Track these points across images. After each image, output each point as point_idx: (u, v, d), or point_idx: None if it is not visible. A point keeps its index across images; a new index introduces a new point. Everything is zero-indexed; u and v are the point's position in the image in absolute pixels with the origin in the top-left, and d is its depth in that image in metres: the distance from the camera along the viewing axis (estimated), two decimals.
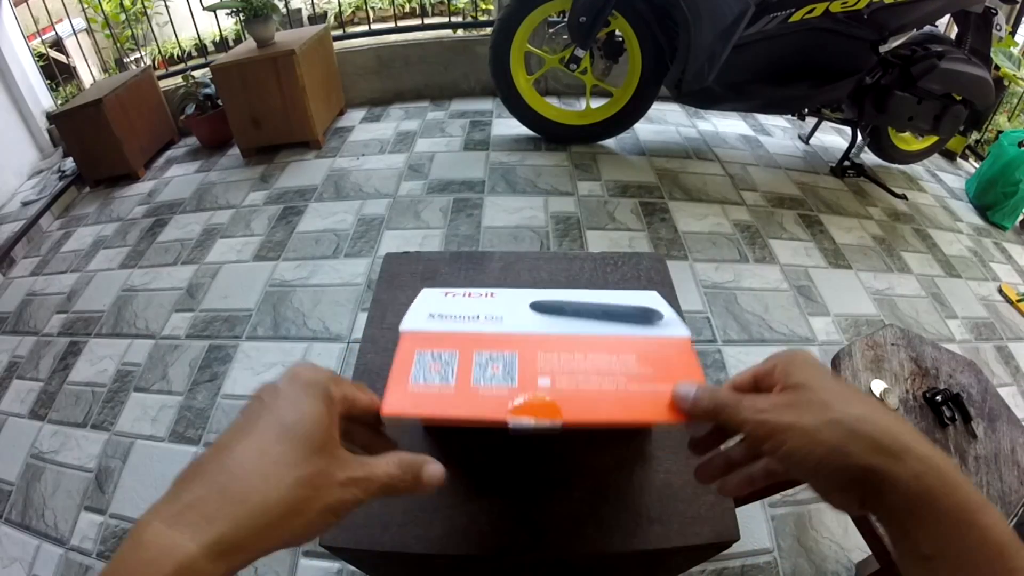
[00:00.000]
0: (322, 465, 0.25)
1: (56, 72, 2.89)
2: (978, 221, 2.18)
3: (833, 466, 0.26)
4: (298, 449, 0.25)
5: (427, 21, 2.84)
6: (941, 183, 2.41)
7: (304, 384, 0.27)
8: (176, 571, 0.20)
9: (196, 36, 3.00)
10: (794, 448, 0.26)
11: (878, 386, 0.78)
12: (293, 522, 0.23)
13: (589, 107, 2.23)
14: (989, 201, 2.19)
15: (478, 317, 0.42)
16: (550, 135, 2.27)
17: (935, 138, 2.27)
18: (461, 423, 0.34)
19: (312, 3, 3.91)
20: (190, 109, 2.43)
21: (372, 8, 3.68)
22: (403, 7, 4.15)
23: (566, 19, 1.91)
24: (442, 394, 0.35)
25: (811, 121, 2.53)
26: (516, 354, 0.37)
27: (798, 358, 0.30)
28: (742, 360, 1.41)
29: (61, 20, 3.17)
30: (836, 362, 0.82)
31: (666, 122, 2.55)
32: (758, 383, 0.32)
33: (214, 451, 0.24)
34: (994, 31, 1.95)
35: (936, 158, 2.54)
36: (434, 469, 0.30)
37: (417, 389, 0.35)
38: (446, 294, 0.47)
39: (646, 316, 0.42)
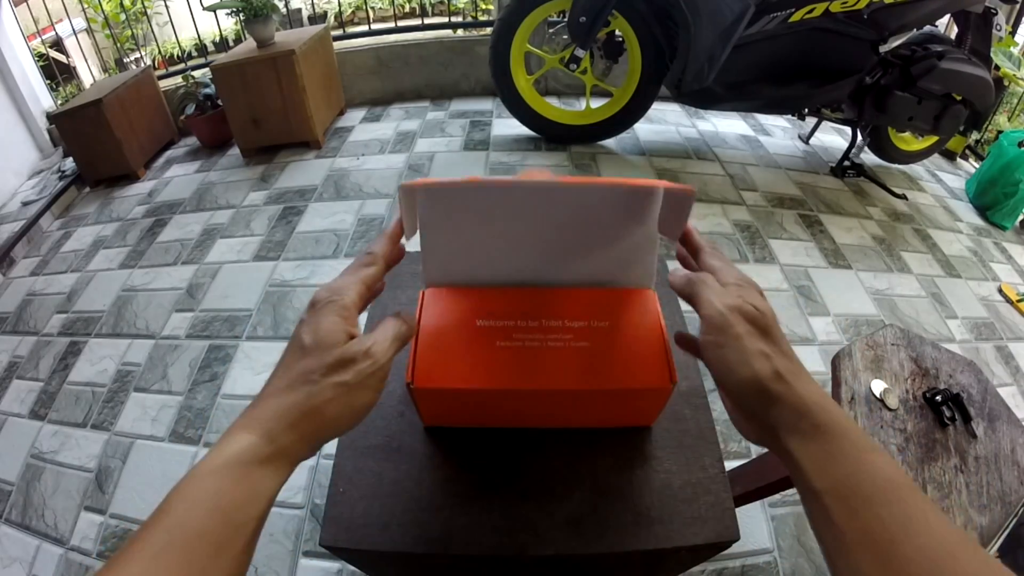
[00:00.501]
0: (336, 356, 0.31)
1: (56, 72, 2.89)
2: (978, 221, 2.18)
3: (741, 378, 0.31)
4: (314, 358, 0.31)
5: (427, 21, 2.84)
6: (941, 183, 2.41)
7: (316, 308, 0.33)
8: (240, 451, 0.28)
9: (196, 36, 3.00)
10: (725, 359, 0.32)
11: (878, 386, 0.78)
12: (329, 411, 0.30)
13: (589, 107, 2.23)
14: (989, 201, 2.19)
15: None
16: (550, 135, 2.27)
17: (935, 138, 2.27)
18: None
19: (312, 3, 3.91)
20: (190, 109, 2.43)
21: (372, 8, 3.68)
22: (403, 7, 4.15)
23: (566, 19, 1.91)
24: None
25: (811, 121, 2.53)
26: None
27: (751, 283, 0.36)
28: None
29: (61, 20, 3.17)
30: (836, 362, 0.82)
31: (666, 122, 2.55)
32: (713, 273, 0.37)
33: (274, 390, 0.31)
34: (994, 31, 1.95)
35: (936, 158, 2.54)
36: (403, 314, 0.37)
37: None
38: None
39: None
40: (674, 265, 0.44)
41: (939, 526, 0.25)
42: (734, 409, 0.35)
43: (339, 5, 3.06)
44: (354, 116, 2.67)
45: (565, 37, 2.00)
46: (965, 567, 0.24)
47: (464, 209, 0.43)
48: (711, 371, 0.33)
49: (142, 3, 3.10)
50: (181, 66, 2.78)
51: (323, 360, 0.30)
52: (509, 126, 2.38)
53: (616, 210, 0.43)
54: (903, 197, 2.18)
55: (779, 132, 2.59)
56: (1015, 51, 2.31)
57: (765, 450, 1.18)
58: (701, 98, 1.96)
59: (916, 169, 2.46)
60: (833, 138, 2.57)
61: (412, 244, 0.43)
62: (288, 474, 0.29)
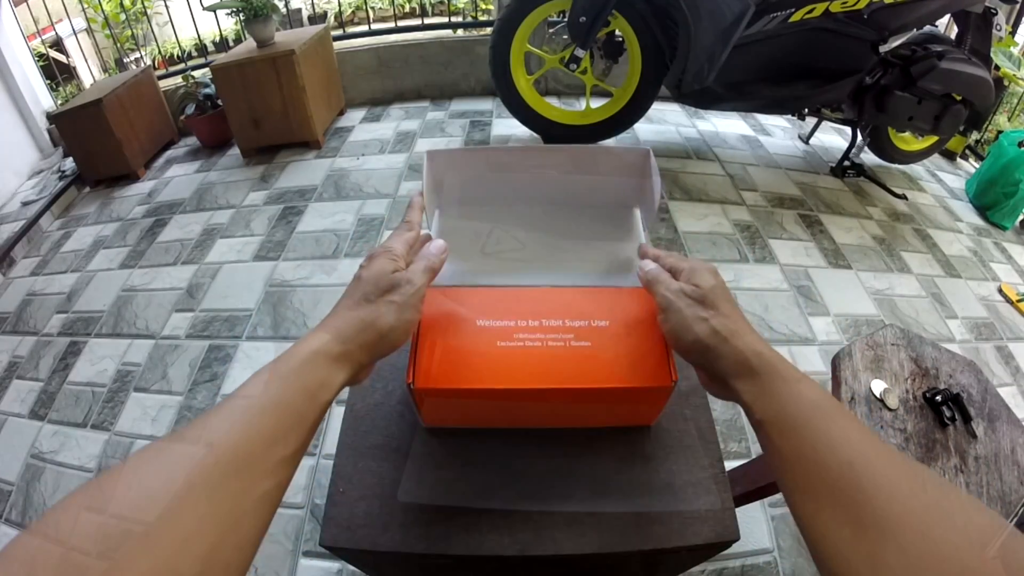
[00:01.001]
0: (385, 283, 0.39)
1: (56, 72, 2.89)
2: (978, 221, 2.18)
3: (685, 342, 0.39)
4: (370, 285, 0.39)
5: (427, 21, 2.84)
6: (941, 183, 2.41)
7: (369, 257, 0.41)
8: (319, 345, 0.35)
9: (196, 36, 3.00)
10: (672, 327, 0.39)
11: (878, 386, 0.78)
12: (384, 324, 0.38)
13: (589, 107, 2.23)
14: (989, 201, 2.19)
15: None
16: (550, 135, 2.26)
17: (935, 138, 2.27)
18: None
19: (312, 3, 3.91)
20: (190, 109, 2.43)
21: (372, 8, 3.68)
22: (403, 7, 4.15)
23: (566, 19, 1.91)
24: None
25: (811, 121, 2.53)
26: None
27: (702, 268, 0.42)
28: None
29: (61, 20, 3.17)
30: (836, 362, 0.82)
31: (666, 122, 2.55)
32: (672, 271, 0.43)
33: (341, 308, 0.39)
34: (994, 31, 1.94)
35: (936, 158, 2.54)
36: (437, 244, 0.44)
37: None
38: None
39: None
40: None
41: (858, 437, 0.30)
42: (698, 373, 0.42)
43: (339, 5, 3.06)
44: (354, 116, 2.67)
45: (565, 37, 2.00)
46: (881, 468, 0.28)
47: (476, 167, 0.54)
48: (670, 345, 0.41)
49: (142, 3, 3.10)
50: (181, 66, 2.78)
51: (378, 285, 0.38)
52: (509, 126, 2.38)
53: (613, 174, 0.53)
54: (903, 197, 2.18)
55: (779, 132, 2.59)
56: (1015, 51, 2.31)
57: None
58: (701, 98, 1.96)
59: (916, 169, 2.46)
60: (833, 138, 2.57)
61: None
62: (352, 374, 0.36)
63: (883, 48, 1.82)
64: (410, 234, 0.44)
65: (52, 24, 2.96)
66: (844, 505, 0.28)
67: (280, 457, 0.31)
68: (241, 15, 2.21)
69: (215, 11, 2.37)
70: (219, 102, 2.35)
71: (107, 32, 3.02)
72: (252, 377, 0.33)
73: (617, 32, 2.01)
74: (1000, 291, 1.80)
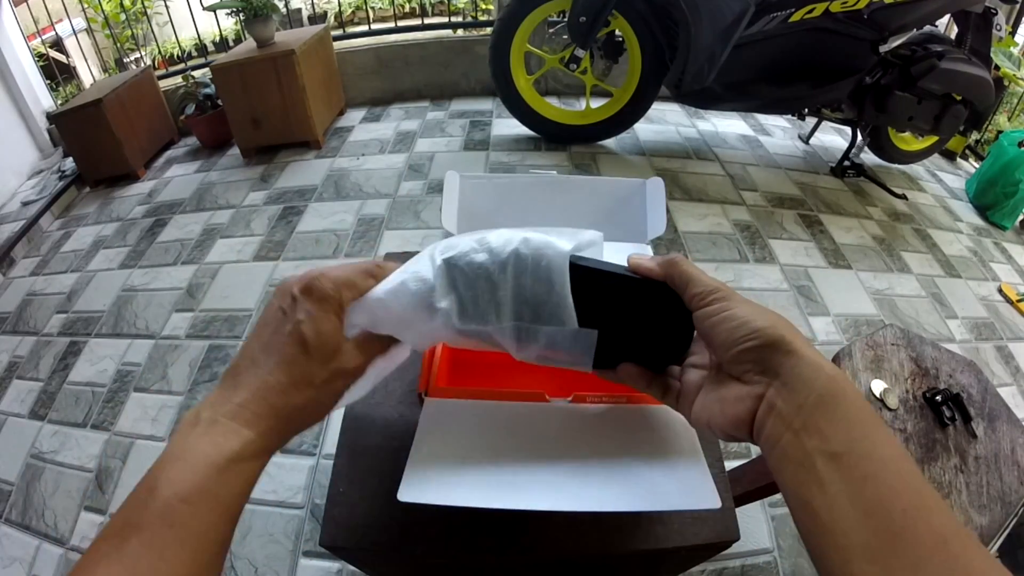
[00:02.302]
0: (334, 367, 0.32)
1: (56, 72, 2.89)
2: (978, 221, 2.18)
3: (755, 327, 0.29)
4: (316, 363, 0.31)
5: (427, 21, 2.84)
6: (941, 183, 2.41)
7: (319, 300, 0.32)
8: (241, 448, 0.28)
9: (196, 36, 3.00)
10: (734, 315, 0.30)
11: (878, 386, 0.78)
12: (316, 413, 0.31)
13: (589, 107, 2.23)
14: (989, 201, 2.19)
15: None
16: (550, 135, 2.27)
17: (935, 138, 2.27)
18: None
19: (312, 3, 3.91)
20: (190, 109, 2.43)
21: (372, 8, 3.67)
22: (403, 7, 4.14)
23: (566, 19, 1.91)
24: None
25: (811, 121, 2.53)
26: None
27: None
28: None
29: (61, 20, 3.17)
30: (836, 362, 0.82)
31: (666, 122, 2.55)
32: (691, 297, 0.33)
33: (248, 363, 0.31)
34: (994, 31, 1.94)
35: (936, 158, 2.54)
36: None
37: None
38: None
39: None
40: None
41: (945, 504, 0.25)
42: (730, 391, 0.31)
43: (339, 5, 3.06)
44: (354, 116, 2.66)
45: (565, 37, 2.00)
46: (976, 554, 0.23)
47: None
48: (717, 339, 0.31)
49: (142, 3, 3.10)
50: (181, 66, 2.78)
51: (326, 367, 0.31)
52: (509, 126, 2.38)
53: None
54: (903, 197, 2.18)
55: (779, 132, 2.59)
56: (1015, 51, 2.31)
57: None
58: (701, 98, 1.96)
59: (916, 169, 2.46)
60: (833, 138, 2.57)
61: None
62: (265, 463, 0.31)
63: (883, 48, 1.82)
64: (371, 283, 0.36)
65: (52, 24, 2.96)
66: None
67: None
68: (241, 15, 2.21)
69: (215, 11, 2.37)
70: (219, 102, 2.35)
71: (107, 32, 3.02)
72: (167, 488, 0.26)
73: (617, 32, 2.01)
74: (1000, 291, 1.80)
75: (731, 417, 0.30)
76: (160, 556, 0.24)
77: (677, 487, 0.39)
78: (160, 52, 3.28)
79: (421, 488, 0.38)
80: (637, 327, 0.34)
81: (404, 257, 0.42)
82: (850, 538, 0.24)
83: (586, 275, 0.33)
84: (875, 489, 0.24)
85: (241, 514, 0.28)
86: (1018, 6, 2.42)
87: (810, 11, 1.71)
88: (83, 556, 0.24)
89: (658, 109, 2.48)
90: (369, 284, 0.35)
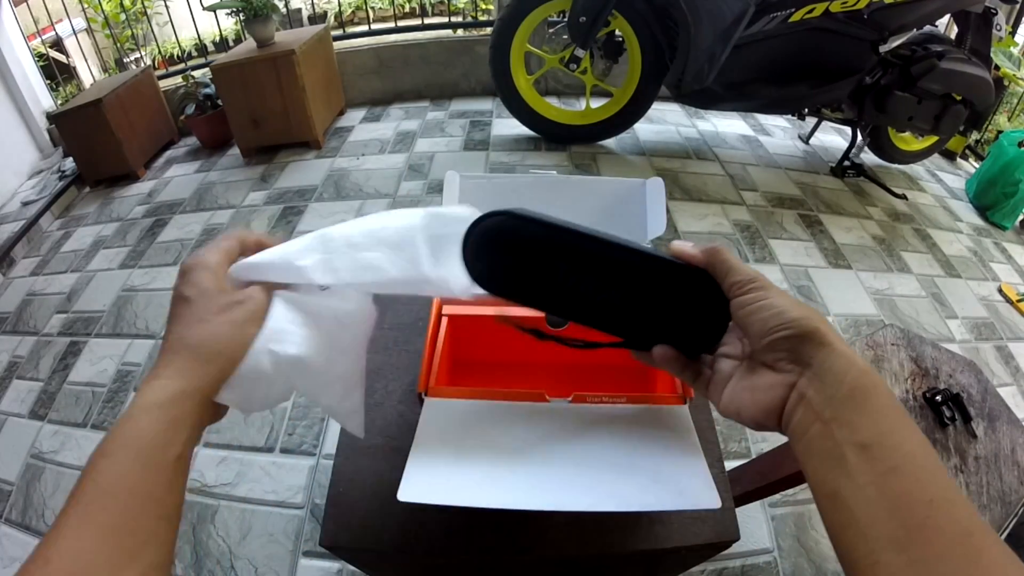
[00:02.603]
0: (222, 301, 0.33)
1: (56, 72, 2.89)
2: (978, 221, 2.18)
3: (792, 317, 0.29)
4: (201, 304, 0.33)
5: (427, 21, 2.84)
6: (941, 183, 2.41)
7: (190, 269, 0.35)
8: (150, 392, 0.29)
9: (196, 36, 3.00)
10: (771, 304, 0.30)
11: None
12: (224, 343, 0.32)
13: (589, 107, 2.23)
14: (989, 201, 2.19)
15: None
16: (550, 135, 2.27)
17: (935, 138, 2.27)
18: None
19: (312, 3, 3.90)
20: (190, 109, 2.43)
21: (372, 8, 3.67)
22: (403, 7, 4.14)
23: (566, 19, 1.91)
24: None
25: (811, 121, 2.53)
26: None
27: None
28: None
29: (61, 20, 3.17)
30: None
31: (666, 122, 2.55)
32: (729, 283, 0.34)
33: (175, 339, 0.32)
34: (994, 31, 1.94)
35: (936, 158, 2.54)
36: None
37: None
38: None
39: None
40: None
41: (967, 499, 0.25)
42: (762, 378, 0.31)
43: (339, 5, 3.06)
44: (354, 116, 2.66)
45: (565, 37, 2.00)
46: (1000, 552, 0.23)
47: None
48: (753, 327, 0.31)
49: (142, 3, 3.09)
50: (181, 66, 2.78)
51: (212, 302, 0.33)
52: (509, 126, 2.38)
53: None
54: (903, 197, 2.18)
55: (779, 132, 2.59)
56: (1015, 51, 2.31)
57: (765, 450, 1.18)
58: (701, 98, 1.96)
59: (916, 169, 2.46)
60: (833, 138, 2.57)
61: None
62: (200, 414, 0.31)
63: (883, 48, 1.82)
64: (230, 243, 0.38)
65: (52, 24, 2.96)
66: None
67: (146, 559, 0.26)
68: (241, 15, 2.21)
69: (215, 11, 2.37)
70: (219, 102, 2.35)
71: (107, 32, 3.02)
72: (89, 466, 0.27)
73: (617, 32, 2.01)
74: (1000, 291, 1.80)
75: (761, 405, 0.30)
76: (84, 512, 0.25)
77: (677, 487, 0.39)
78: (160, 52, 3.28)
79: (421, 488, 0.38)
80: (675, 311, 0.35)
81: None
82: (877, 528, 0.24)
83: (627, 255, 0.33)
84: (902, 480, 0.25)
85: (179, 462, 0.29)
86: (1018, 6, 2.42)
87: (810, 11, 1.71)
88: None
89: (658, 109, 2.48)
90: (227, 244, 0.37)
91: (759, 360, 0.32)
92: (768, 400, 0.30)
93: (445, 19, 2.90)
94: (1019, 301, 1.75)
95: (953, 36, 2.06)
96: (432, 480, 0.39)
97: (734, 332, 0.35)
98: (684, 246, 0.35)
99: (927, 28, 1.97)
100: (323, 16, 3.87)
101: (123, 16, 3.08)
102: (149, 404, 0.29)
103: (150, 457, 0.28)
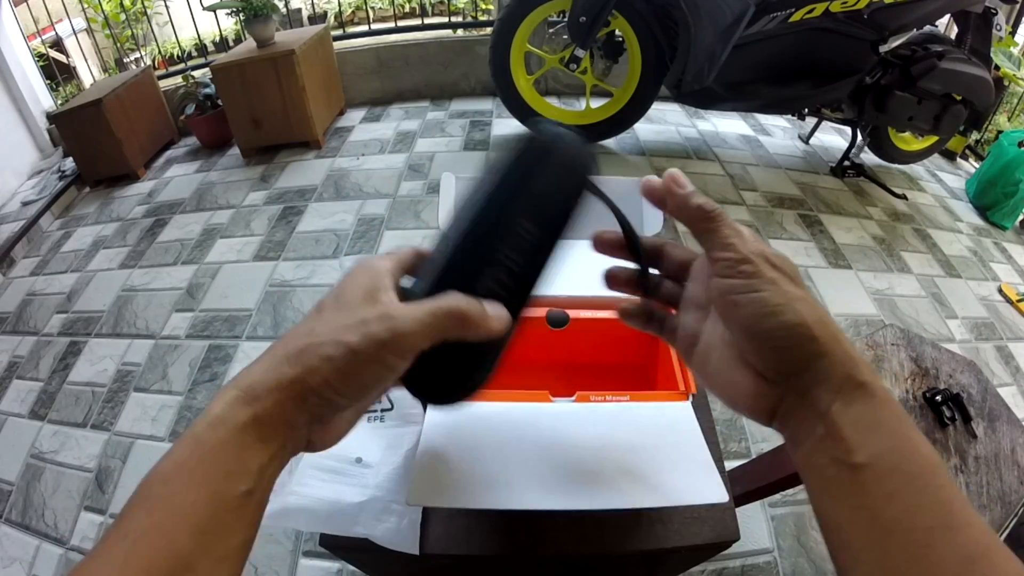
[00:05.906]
0: (372, 311, 0.27)
1: (56, 72, 2.89)
2: (978, 221, 2.18)
3: (785, 323, 0.26)
4: (343, 308, 0.27)
5: (427, 21, 2.84)
6: (941, 183, 2.41)
7: (351, 273, 0.30)
8: (222, 411, 0.24)
9: (196, 36, 3.00)
10: (763, 300, 0.26)
11: None
12: (340, 360, 0.25)
13: (589, 107, 2.23)
14: (989, 201, 2.18)
15: None
16: None
17: (935, 138, 2.26)
18: None
19: (312, 3, 3.90)
20: (190, 109, 2.43)
21: (372, 8, 3.67)
22: (403, 7, 4.14)
23: (566, 19, 1.91)
24: None
25: (811, 121, 2.53)
26: None
27: (751, 235, 0.30)
28: None
29: (61, 20, 3.17)
30: None
31: (666, 122, 2.55)
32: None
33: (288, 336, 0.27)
34: (994, 31, 1.94)
35: (936, 158, 2.54)
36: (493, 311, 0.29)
37: None
38: None
39: None
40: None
41: (977, 520, 0.23)
42: (746, 377, 0.28)
43: (339, 5, 3.06)
44: (354, 116, 2.66)
45: (565, 37, 2.00)
46: (1000, 570, 0.21)
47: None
48: (736, 321, 0.27)
49: (142, 3, 3.10)
50: (181, 66, 2.77)
51: (340, 319, 0.26)
52: (509, 126, 2.38)
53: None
54: (903, 197, 2.18)
55: (779, 132, 2.59)
56: (1015, 51, 2.31)
57: (765, 450, 1.18)
58: (701, 98, 1.96)
59: (916, 169, 2.46)
60: (833, 138, 2.57)
61: None
62: (280, 446, 0.25)
63: (883, 48, 1.82)
64: (405, 251, 0.32)
65: (52, 24, 2.96)
66: None
67: None
68: (241, 15, 2.21)
69: (215, 11, 2.37)
70: (219, 102, 2.35)
71: (107, 32, 3.02)
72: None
73: (617, 32, 2.01)
74: (1000, 291, 1.80)
75: (750, 408, 0.28)
76: (132, 550, 0.21)
77: (683, 483, 0.39)
78: (160, 52, 3.28)
79: (430, 492, 0.38)
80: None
81: None
82: (872, 554, 0.23)
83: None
84: (897, 507, 0.23)
85: (243, 502, 0.23)
86: (1018, 6, 2.42)
87: (810, 11, 1.71)
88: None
89: (658, 109, 2.48)
90: (403, 251, 0.32)
91: (743, 357, 0.28)
92: (758, 406, 0.28)
93: (445, 19, 2.90)
94: (1019, 301, 1.75)
95: (953, 36, 2.06)
96: (440, 483, 0.39)
97: (698, 279, 0.32)
98: (654, 183, 0.32)
99: (927, 28, 1.97)
100: (323, 16, 3.87)
101: (123, 16, 3.08)
102: (217, 421, 0.24)
103: (217, 488, 0.23)
